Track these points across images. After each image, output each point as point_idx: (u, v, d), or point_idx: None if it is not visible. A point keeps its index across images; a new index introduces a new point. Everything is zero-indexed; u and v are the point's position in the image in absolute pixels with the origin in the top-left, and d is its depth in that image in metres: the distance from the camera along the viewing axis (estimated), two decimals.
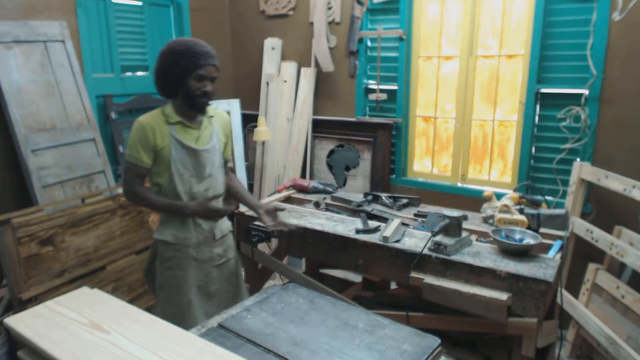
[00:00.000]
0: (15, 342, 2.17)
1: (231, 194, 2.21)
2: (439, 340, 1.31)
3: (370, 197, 2.53)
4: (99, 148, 2.91)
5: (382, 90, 3.48)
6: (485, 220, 2.21)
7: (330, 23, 3.62)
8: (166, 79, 1.90)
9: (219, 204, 2.07)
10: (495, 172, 3.25)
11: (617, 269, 2.61)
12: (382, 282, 2.69)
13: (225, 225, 2.13)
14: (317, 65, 3.68)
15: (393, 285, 2.72)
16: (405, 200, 2.46)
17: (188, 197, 1.95)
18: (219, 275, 2.11)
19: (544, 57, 2.86)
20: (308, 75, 3.74)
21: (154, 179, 1.96)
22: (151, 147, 1.88)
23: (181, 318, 1.94)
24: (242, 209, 2.39)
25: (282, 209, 2.18)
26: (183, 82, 1.87)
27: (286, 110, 3.82)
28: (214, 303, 2.11)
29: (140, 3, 3.43)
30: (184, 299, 2.00)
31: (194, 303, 2.02)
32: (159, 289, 2.04)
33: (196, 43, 1.89)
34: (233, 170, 3.67)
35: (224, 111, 2.17)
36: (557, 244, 1.90)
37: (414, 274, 1.84)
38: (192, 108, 1.93)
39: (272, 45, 3.89)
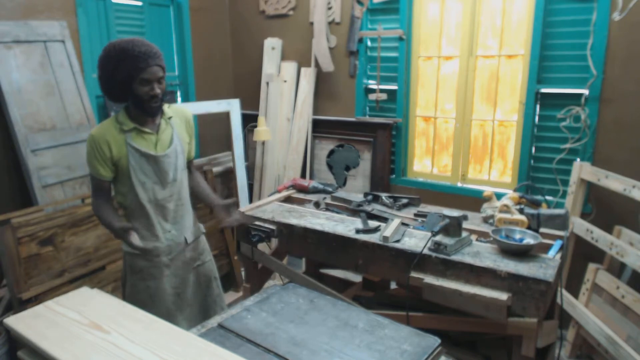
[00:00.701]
0: (15, 342, 2.17)
1: (194, 194, 2.14)
2: (439, 340, 1.31)
3: (370, 197, 2.53)
4: None
5: (382, 90, 3.48)
6: (485, 220, 2.21)
7: (330, 23, 3.62)
8: (110, 86, 1.80)
9: (184, 208, 2.00)
10: (495, 172, 3.25)
11: (617, 269, 2.61)
12: (382, 282, 2.69)
13: (196, 228, 2.09)
14: (317, 65, 3.68)
15: (393, 285, 2.72)
16: (405, 200, 2.46)
17: (153, 205, 1.89)
18: (195, 280, 2.07)
19: (544, 57, 2.86)
20: (308, 75, 3.74)
21: (119, 189, 1.89)
22: (108, 159, 1.80)
23: None
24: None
25: (237, 205, 2.09)
26: (128, 88, 1.76)
27: (286, 110, 3.82)
28: (194, 308, 2.07)
29: (140, 3, 3.43)
30: (161, 310, 1.92)
31: (173, 311, 1.97)
32: (130, 303, 1.94)
33: (134, 44, 1.75)
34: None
35: (186, 108, 2.11)
36: (557, 244, 1.90)
37: (414, 274, 1.84)
38: (144, 113, 1.82)
39: (272, 45, 3.89)
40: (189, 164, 2.10)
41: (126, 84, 1.76)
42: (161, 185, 1.89)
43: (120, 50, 1.74)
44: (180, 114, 2.02)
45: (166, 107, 1.95)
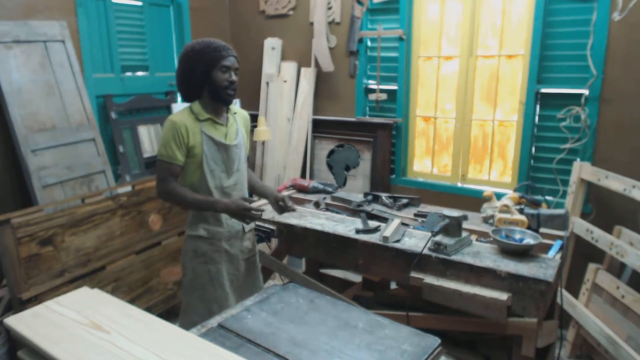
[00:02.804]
0: (15, 342, 2.17)
1: (250, 188, 2.24)
2: (439, 340, 1.31)
3: (370, 197, 2.53)
4: (99, 148, 2.91)
5: (382, 90, 3.48)
6: (485, 220, 2.21)
7: (330, 23, 3.62)
8: (190, 79, 1.94)
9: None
10: (495, 172, 3.25)
11: (617, 269, 2.61)
12: (382, 282, 2.69)
13: None
14: (317, 65, 3.68)
15: (393, 285, 2.72)
16: (405, 200, 2.46)
17: (219, 191, 1.99)
18: (247, 270, 2.15)
19: (544, 57, 2.86)
20: (308, 75, 3.74)
21: (187, 177, 1.99)
22: (185, 144, 1.92)
23: (219, 313, 1.92)
24: None
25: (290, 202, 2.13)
26: (208, 77, 1.91)
27: (286, 110, 3.82)
28: (243, 297, 2.11)
29: (140, 3, 3.43)
30: (220, 294, 2.02)
31: (230, 296, 2.05)
32: (192, 287, 2.04)
33: (213, 40, 1.96)
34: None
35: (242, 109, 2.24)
36: (557, 244, 1.90)
37: (414, 274, 1.84)
38: (219, 101, 1.95)
39: (272, 45, 3.89)
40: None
41: (207, 72, 1.90)
42: (227, 173, 2.00)
43: (203, 44, 1.92)
44: (240, 113, 2.16)
45: (232, 105, 2.09)
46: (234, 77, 1.95)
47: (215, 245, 2.02)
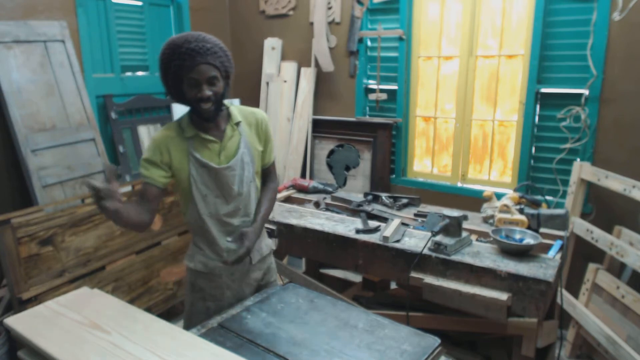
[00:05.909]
0: (15, 342, 2.17)
1: None
2: (438, 340, 1.31)
3: (370, 197, 2.53)
4: (99, 148, 2.91)
5: (382, 90, 3.48)
6: (485, 220, 2.21)
7: (330, 23, 3.62)
8: (166, 87, 1.63)
9: (250, 224, 1.72)
10: (495, 172, 3.25)
11: (617, 269, 2.61)
12: (382, 282, 2.69)
13: (264, 244, 1.84)
14: (317, 65, 3.68)
15: (393, 285, 2.72)
16: (405, 200, 2.46)
17: (215, 220, 1.67)
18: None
19: (544, 57, 2.86)
20: (308, 75, 3.74)
21: (181, 205, 1.73)
22: (165, 163, 1.60)
23: None
24: None
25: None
26: (180, 89, 1.58)
27: (286, 110, 3.82)
28: None
29: (140, 3, 3.43)
30: None
31: None
32: (190, 321, 1.76)
33: (185, 40, 1.55)
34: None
35: (258, 110, 1.81)
36: (557, 244, 1.90)
37: (414, 274, 1.84)
38: (200, 118, 1.61)
39: (272, 45, 3.89)
40: (266, 172, 1.83)
41: (177, 85, 1.58)
42: (224, 199, 1.67)
43: (170, 48, 1.56)
44: (250, 117, 1.75)
45: (235, 111, 1.71)
46: (205, 92, 1.53)
47: (215, 281, 1.72)
